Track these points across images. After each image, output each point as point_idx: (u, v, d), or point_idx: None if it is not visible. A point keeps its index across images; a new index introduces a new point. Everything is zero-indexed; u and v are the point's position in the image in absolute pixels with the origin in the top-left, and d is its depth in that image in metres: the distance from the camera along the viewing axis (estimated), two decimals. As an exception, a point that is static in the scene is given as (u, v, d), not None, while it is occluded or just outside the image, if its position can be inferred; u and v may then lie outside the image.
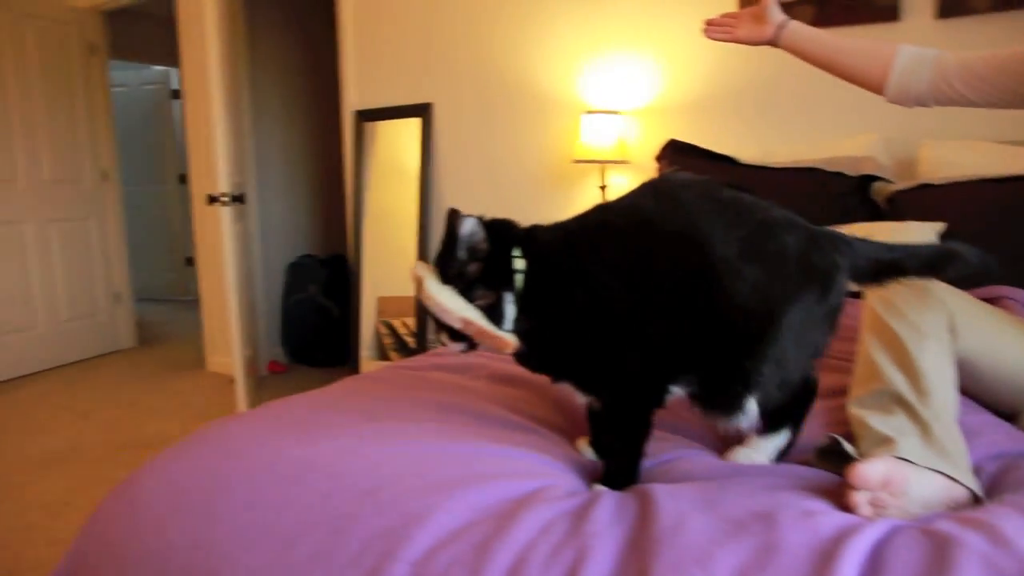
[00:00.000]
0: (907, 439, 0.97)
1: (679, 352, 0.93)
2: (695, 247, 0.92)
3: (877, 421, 1.02)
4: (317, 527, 0.75)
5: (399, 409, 1.06)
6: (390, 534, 0.74)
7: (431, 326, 0.93)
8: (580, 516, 0.78)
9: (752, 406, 0.95)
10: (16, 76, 4.05)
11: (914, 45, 1.46)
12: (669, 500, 0.81)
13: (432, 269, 0.89)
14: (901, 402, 1.03)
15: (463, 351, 0.92)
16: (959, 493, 0.92)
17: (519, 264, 0.89)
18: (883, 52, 1.45)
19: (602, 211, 1.02)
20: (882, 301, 1.14)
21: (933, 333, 1.08)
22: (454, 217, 0.91)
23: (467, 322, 0.86)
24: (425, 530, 0.74)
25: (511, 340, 0.89)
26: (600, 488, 0.92)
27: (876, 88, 1.46)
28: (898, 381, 1.05)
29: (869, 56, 1.46)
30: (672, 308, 0.91)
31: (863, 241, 1.02)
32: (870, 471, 0.85)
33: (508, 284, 0.89)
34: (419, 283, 0.87)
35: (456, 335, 0.89)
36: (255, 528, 0.77)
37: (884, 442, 0.97)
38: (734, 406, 0.94)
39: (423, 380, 1.25)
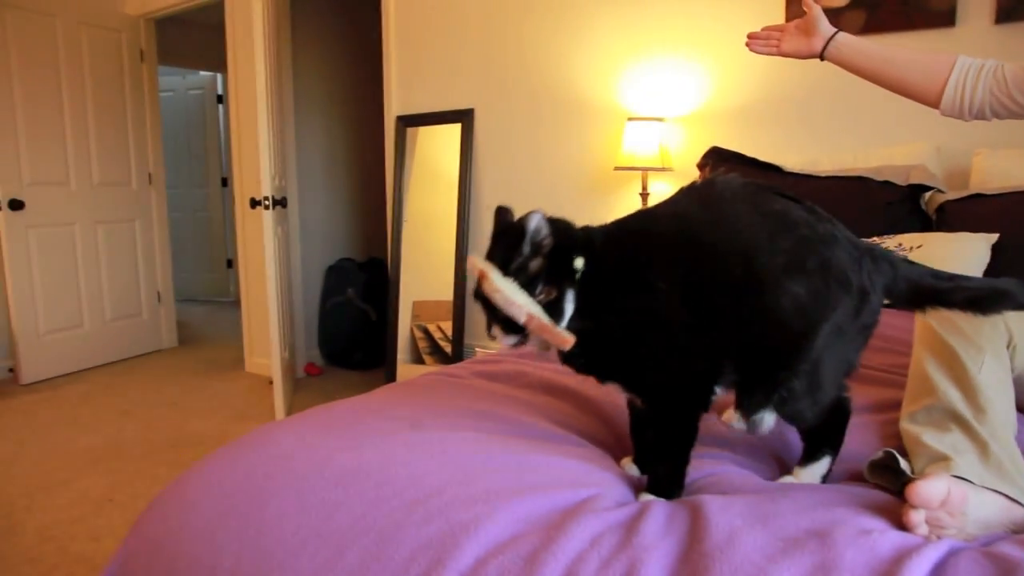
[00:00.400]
0: (964, 457, 0.94)
1: (724, 359, 0.94)
2: (741, 258, 0.92)
3: (932, 438, 0.99)
4: (366, 534, 0.75)
5: (443, 417, 1.06)
6: (438, 543, 0.73)
7: (485, 319, 0.90)
8: (630, 528, 0.77)
9: (771, 417, 0.97)
10: (69, 82, 4.16)
11: (969, 56, 1.39)
12: (720, 514, 0.79)
13: (490, 263, 0.89)
14: (957, 419, 1.00)
15: (514, 345, 0.91)
16: (1019, 514, 0.89)
17: (579, 263, 0.90)
18: (938, 65, 1.39)
19: (649, 217, 1.02)
20: (937, 315, 1.11)
21: (991, 348, 1.05)
22: (505, 214, 0.94)
23: (531, 316, 0.85)
24: (473, 540, 0.73)
25: (570, 337, 0.88)
26: (648, 498, 0.92)
27: (931, 102, 1.41)
28: (953, 397, 1.02)
29: (923, 69, 1.40)
30: (719, 317, 0.92)
31: (909, 263, 1.00)
32: (930, 490, 0.82)
33: (569, 282, 0.89)
34: (482, 275, 0.86)
35: (511, 327, 0.88)
36: (304, 533, 0.77)
37: (940, 460, 0.95)
38: (755, 411, 0.96)
39: (466, 388, 1.25)
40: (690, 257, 0.93)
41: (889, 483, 0.98)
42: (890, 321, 1.80)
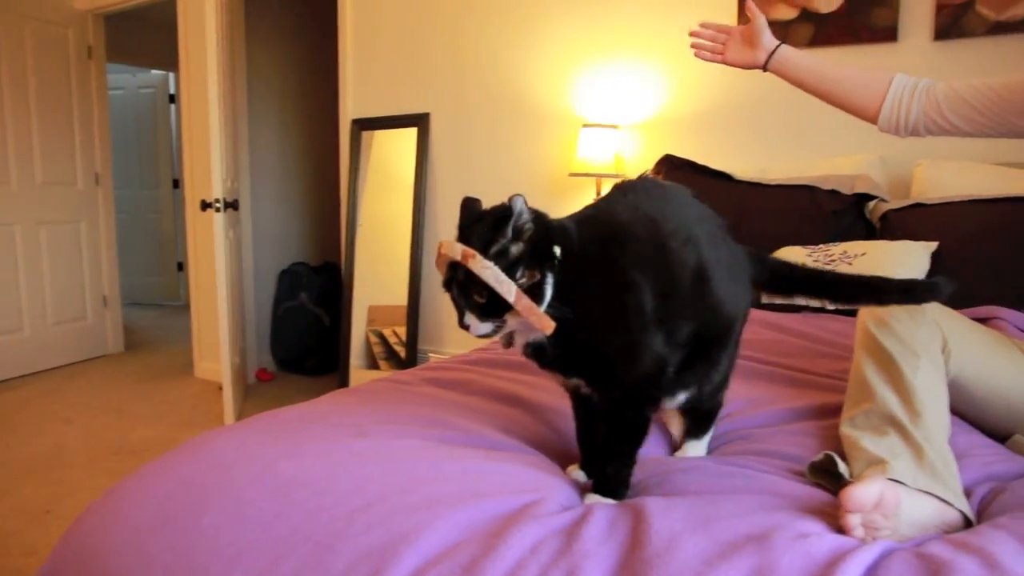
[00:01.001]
0: (900, 461, 0.96)
1: (679, 348, 0.97)
2: (695, 251, 0.98)
3: (870, 442, 1.01)
4: (304, 544, 0.74)
5: (389, 424, 1.05)
6: (378, 553, 0.72)
7: (457, 309, 0.90)
8: (571, 534, 0.77)
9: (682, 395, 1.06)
10: (12, 77, 4.03)
11: (906, 74, 1.44)
12: (662, 518, 0.79)
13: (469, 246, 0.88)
14: (894, 423, 1.02)
15: (487, 334, 0.90)
16: (951, 516, 0.91)
17: (557, 251, 0.90)
18: (876, 82, 1.43)
19: (608, 210, 1.03)
20: (875, 319, 1.14)
21: (926, 354, 1.08)
22: (474, 203, 0.95)
23: (520, 295, 0.85)
24: (413, 549, 0.72)
25: (551, 322, 0.87)
26: (594, 499, 0.92)
27: (869, 118, 1.45)
28: (891, 401, 1.04)
29: (862, 86, 1.44)
30: (682, 307, 0.96)
31: (778, 260, 1.19)
32: (863, 493, 0.84)
33: (549, 267, 0.89)
34: (468, 255, 0.85)
35: (488, 313, 0.87)
36: (239, 544, 0.75)
37: (877, 463, 0.97)
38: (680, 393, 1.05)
39: (414, 395, 1.24)
40: (656, 250, 0.95)
41: (829, 484, 1.00)
42: (834, 327, 1.85)
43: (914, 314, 1.12)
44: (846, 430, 1.08)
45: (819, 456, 1.02)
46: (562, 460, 1.07)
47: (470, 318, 0.88)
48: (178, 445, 1.01)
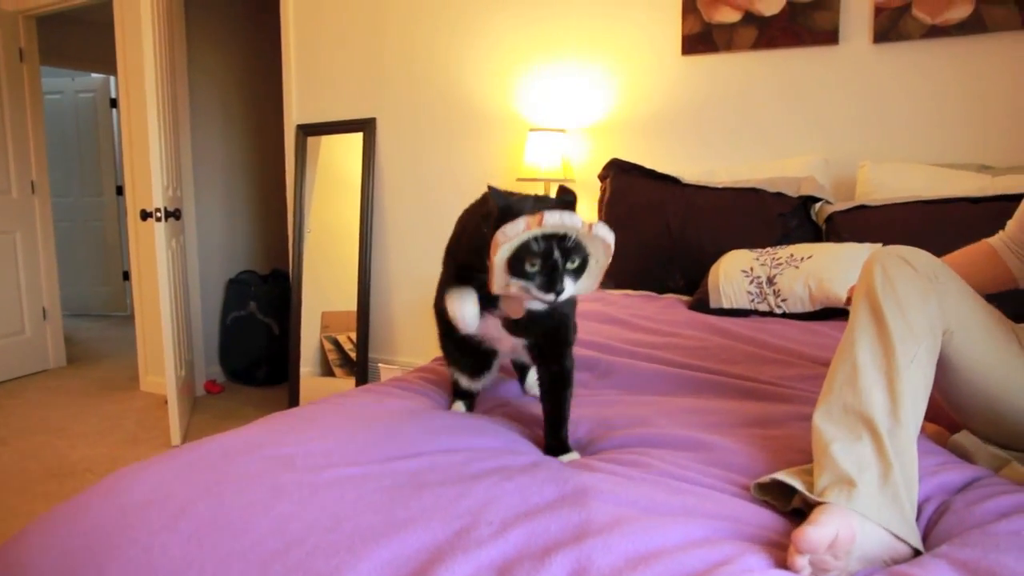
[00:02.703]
0: (865, 477, 0.92)
1: None
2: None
3: (840, 449, 0.95)
4: (213, 597, 0.69)
5: (321, 452, 1.00)
6: (295, 603, 0.68)
7: (545, 281, 1.04)
8: (504, 573, 0.74)
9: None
10: (-64, 83, 3.86)
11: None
12: (602, 555, 0.76)
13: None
14: (871, 427, 0.96)
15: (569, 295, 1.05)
16: (901, 550, 0.88)
17: None
18: (983, 254, 1.40)
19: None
20: (883, 270, 1.06)
21: (927, 336, 1.02)
22: (498, 191, 1.07)
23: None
24: (333, 596, 0.68)
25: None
26: (569, 457, 1.14)
27: (1013, 284, 1.38)
28: (875, 402, 0.98)
29: (976, 266, 1.39)
30: None
31: None
32: (818, 536, 0.81)
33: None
34: (590, 225, 1.02)
35: (577, 276, 1.05)
36: (145, 598, 0.70)
37: (841, 483, 0.92)
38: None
39: (349, 417, 1.19)
40: None
41: (776, 502, 0.97)
42: (780, 330, 1.85)
43: (926, 279, 1.05)
44: (820, 422, 1.01)
45: (766, 479, 0.99)
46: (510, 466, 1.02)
47: (568, 283, 1.03)
48: (125, 464, 0.95)
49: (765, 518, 0.91)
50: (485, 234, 1.04)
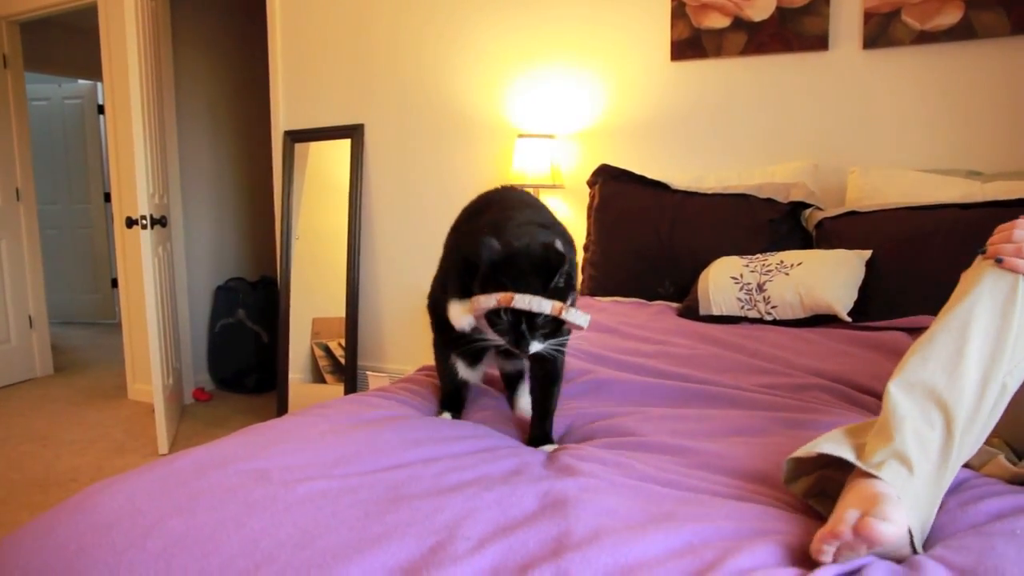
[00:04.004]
0: (923, 472, 0.84)
1: None
2: None
3: (913, 431, 0.86)
4: (177, 620, 0.67)
5: (297, 466, 0.98)
6: (262, 625, 0.65)
7: (516, 338, 1.11)
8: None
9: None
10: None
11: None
12: (586, 567, 0.74)
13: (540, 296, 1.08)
14: (948, 426, 0.87)
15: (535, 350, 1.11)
16: (906, 548, 0.85)
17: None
18: None
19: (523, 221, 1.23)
20: None
21: None
22: (492, 243, 1.10)
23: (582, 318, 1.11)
24: (303, 618, 0.66)
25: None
26: (550, 448, 1.20)
27: None
28: (966, 400, 0.88)
29: None
30: None
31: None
32: (891, 533, 0.75)
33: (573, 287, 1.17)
34: (560, 310, 1.08)
35: (550, 337, 1.11)
36: (107, 622, 0.68)
37: (903, 463, 0.83)
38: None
39: (334, 426, 1.17)
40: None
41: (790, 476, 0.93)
42: (772, 338, 1.83)
43: None
44: (898, 393, 0.90)
45: (808, 451, 0.91)
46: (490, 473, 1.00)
47: (535, 344, 1.09)
48: (111, 473, 0.93)
49: (748, 516, 0.88)
50: (472, 282, 1.13)
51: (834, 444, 0.89)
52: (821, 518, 0.88)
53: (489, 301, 1.07)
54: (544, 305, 1.06)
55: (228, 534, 0.78)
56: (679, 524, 0.82)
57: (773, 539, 0.80)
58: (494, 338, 1.17)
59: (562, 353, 1.25)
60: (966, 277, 0.98)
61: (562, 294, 1.09)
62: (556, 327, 1.10)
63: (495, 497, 0.89)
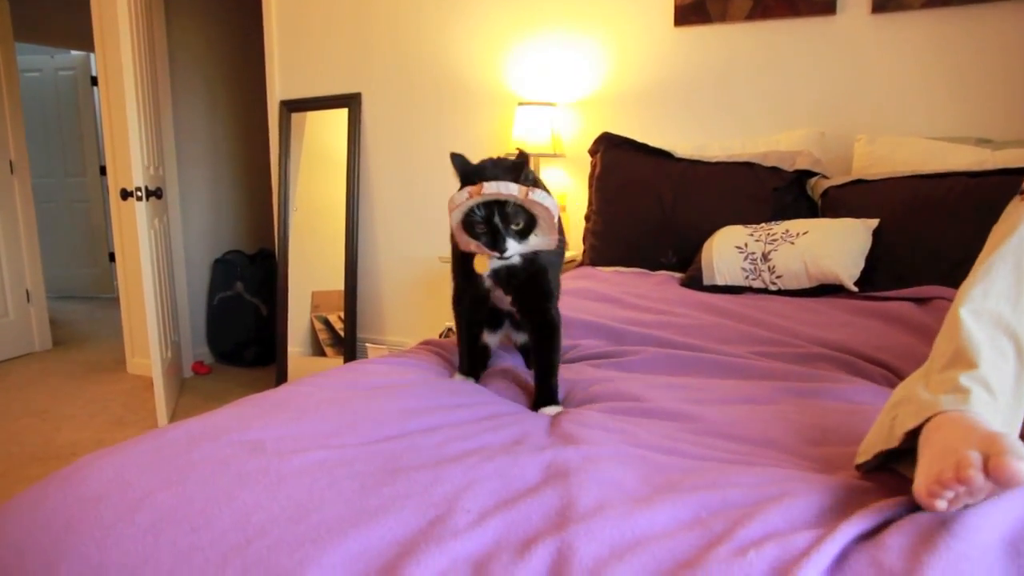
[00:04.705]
0: (1002, 404, 0.79)
1: None
2: None
3: (990, 359, 0.81)
4: (166, 596, 0.64)
5: (292, 436, 0.95)
6: (254, 601, 0.63)
7: (488, 241, 1.17)
8: (482, 568, 0.69)
9: None
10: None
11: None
12: (588, 543, 0.71)
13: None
14: (1019, 350, 0.82)
15: (517, 252, 1.18)
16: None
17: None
18: None
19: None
20: None
21: None
22: (461, 156, 1.20)
23: (558, 212, 1.17)
24: (295, 594, 0.63)
25: (556, 237, 1.21)
26: (552, 410, 1.21)
27: None
28: None
29: None
30: None
31: None
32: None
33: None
34: (527, 191, 1.12)
35: (523, 235, 1.16)
36: (93, 598, 0.65)
37: (988, 391, 0.78)
38: None
39: (329, 400, 1.14)
40: None
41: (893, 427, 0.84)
42: (776, 307, 1.80)
43: None
44: (968, 318, 0.85)
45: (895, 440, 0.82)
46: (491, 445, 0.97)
47: (510, 243, 1.14)
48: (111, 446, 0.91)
49: (757, 481, 0.84)
50: None
51: (913, 408, 0.81)
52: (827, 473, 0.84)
53: (462, 196, 1.13)
54: (512, 188, 1.11)
55: (219, 507, 0.75)
56: (686, 494, 0.79)
57: (784, 502, 0.76)
58: (496, 293, 1.23)
59: (554, 311, 1.30)
60: (1006, 218, 0.94)
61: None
62: (529, 222, 1.15)
63: (496, 468, 0.87)
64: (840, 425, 1.06)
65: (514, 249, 1.15)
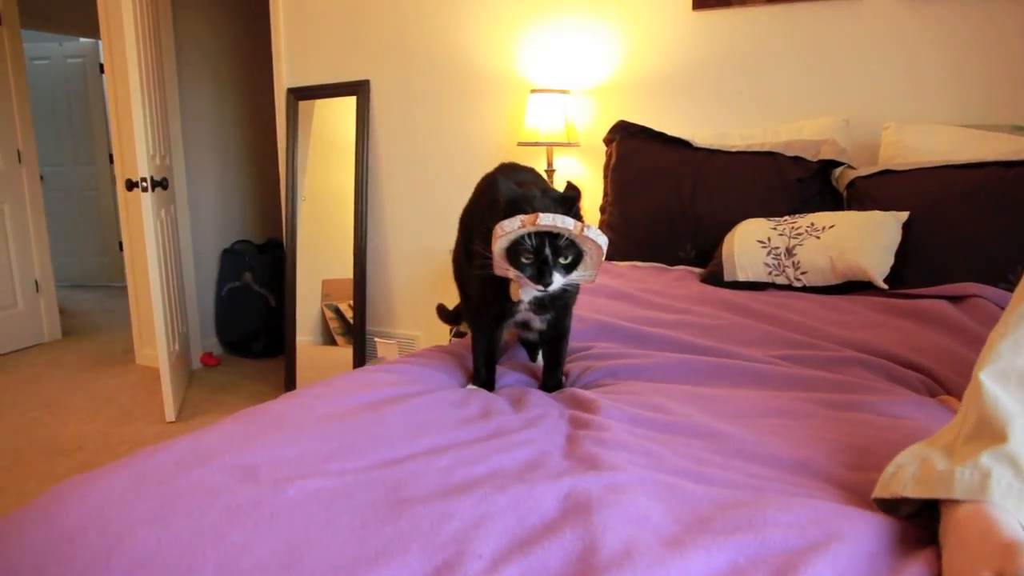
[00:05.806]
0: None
1: None
2: None
3: (1022, 432, 0.71)
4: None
5: (289, 460, 0.88)
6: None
7: (535, 273, 1.14)
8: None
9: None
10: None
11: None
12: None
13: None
14: None
15: (561, 285, 1.16)
16: None
17: None
18: None
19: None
20: None
21: None
22: (501, 183, 1.16)
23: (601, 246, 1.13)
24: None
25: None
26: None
27: None
28: None
29: None
30: None
31: None
32: None
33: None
34: (582, 227, 1.09)
35: (569, 269, 1.14)
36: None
37: (1017, 470, 0.69)
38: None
39: (333, 410, 1.07)
40: None
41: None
42: (801, 306, 1.72)
43: None
44: (991, 383, 0.75)
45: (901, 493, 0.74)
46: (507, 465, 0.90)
47: (556, 276, 1.12)
48: (118, 440, 0.84)
49: (796, 520, 0.75)
50: (491, 222, 1.14)
51: (922, 474, 0.73)
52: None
53: (513, 223, 1.08)
54: (568, 222, 1.08)
55: (204, 550, 0.68)
56: (720, 536, 0.71)
57: (832, 549, 0.68)
58: (515, 276, 1.18)
59: (570, 318, 1.34)
60: None
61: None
62: (576, 256, 1.13)
63: (510, 500, 0.79)
64: (879, 445, 0.97)
65: (558, 283, 1.13)
